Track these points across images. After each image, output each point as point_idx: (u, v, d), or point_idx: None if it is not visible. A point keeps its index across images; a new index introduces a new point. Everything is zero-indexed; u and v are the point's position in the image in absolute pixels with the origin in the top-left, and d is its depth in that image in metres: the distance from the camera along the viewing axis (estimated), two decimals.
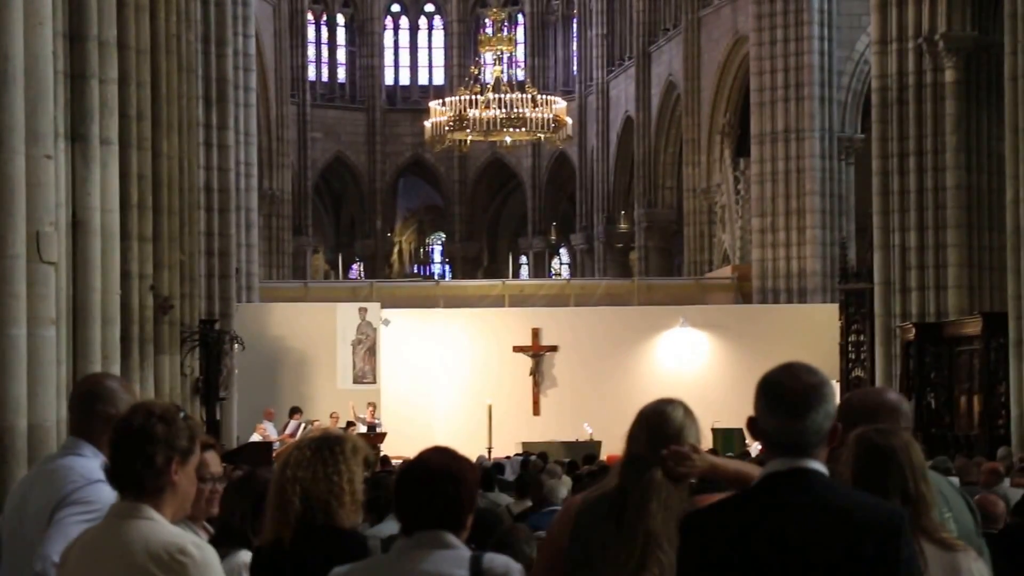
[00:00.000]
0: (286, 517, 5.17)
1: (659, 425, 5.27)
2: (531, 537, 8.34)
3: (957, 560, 4.95)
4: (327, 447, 5.17)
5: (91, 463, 5.50)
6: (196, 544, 4.56)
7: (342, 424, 30.04)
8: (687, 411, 5.28)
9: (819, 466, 4.15)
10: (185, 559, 4.47)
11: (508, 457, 26.65)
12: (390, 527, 9.32)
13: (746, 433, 22.89)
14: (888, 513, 4.14)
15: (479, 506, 5.17)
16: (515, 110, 41.50)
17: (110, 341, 16.26)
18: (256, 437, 28.77)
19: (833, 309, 32.21)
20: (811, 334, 32.34)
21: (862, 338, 30.56)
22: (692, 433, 5.20)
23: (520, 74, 53.43)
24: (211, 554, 4.57)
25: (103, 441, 5.23)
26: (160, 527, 4.58)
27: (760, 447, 4.31)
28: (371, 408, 31.10)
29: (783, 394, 4.16)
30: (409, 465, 4.81)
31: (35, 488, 5.62)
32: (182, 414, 4.75)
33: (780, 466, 4.15)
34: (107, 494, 5.07)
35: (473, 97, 41.93)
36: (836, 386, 29.23)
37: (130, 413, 4.75)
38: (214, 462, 5.97)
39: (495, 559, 4.65)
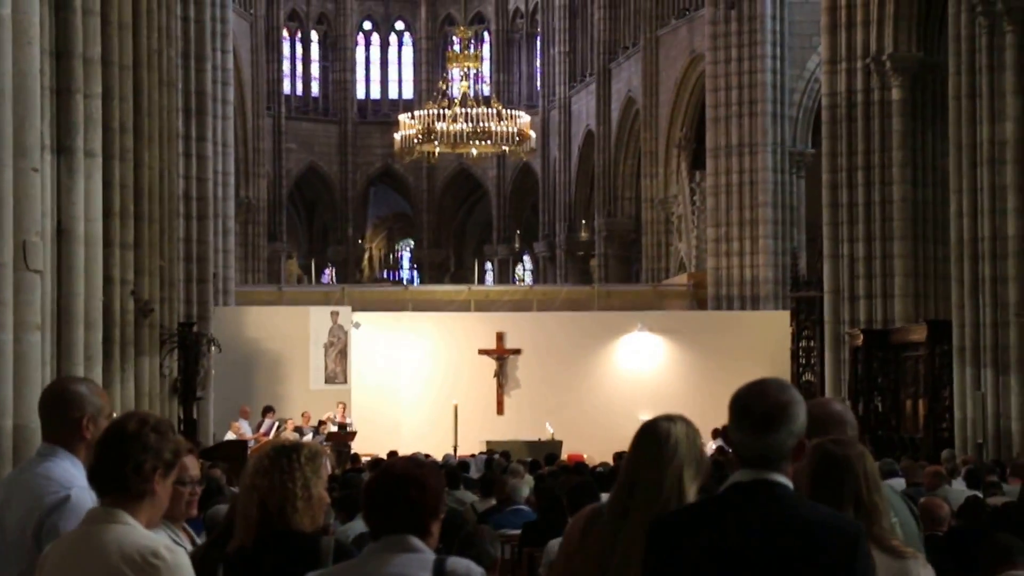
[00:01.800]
0: (248, 524, 5.13)
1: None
2: (495, 537, 8.65)
3: (907, 567, 4.95)
4: (284, 455, 5.09)
5: (68, 469, 5.42)
6: (168, 548, 4.60)
7: (313, 423, 30.22)
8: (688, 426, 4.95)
9: (783, 479, 4.19)
10: (158, 562, 4.51)
11: (473, 455, 26.52)
12: (360, 526, 9.32)
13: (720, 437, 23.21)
14: (846, 526, 4.18)
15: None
16: (481, 123, 41.43)
17: (93, 344, 16.33)
18: (231, 435, 28.65)
19: (784, 316, 32.46)
20: (763, 339, 32.66)
21: (812, 344, 30.66)
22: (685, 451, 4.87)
23: (486, 89, 53.01)
24: (183, 557, 4.62)
25: (76, 445, 5.44)
26: (134, 531, 4.61)
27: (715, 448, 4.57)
28: (341, 408, 31.00)
29: (749, 409, 4.21)
30: (376, 472, 4.89)
31: (13, 498, 5.48)
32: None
33: (744, 477, 4.20)
34: (85, 503, 5.13)
35: (441, 111, 41.84)
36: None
37: (125, 418, 4.80)
38: (193, 466, 5.97)
39: (458, 563, 4.68)
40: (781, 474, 4.19)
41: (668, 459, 4.81)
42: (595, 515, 5.07)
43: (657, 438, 4.86)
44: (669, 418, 4.93)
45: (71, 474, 5.39)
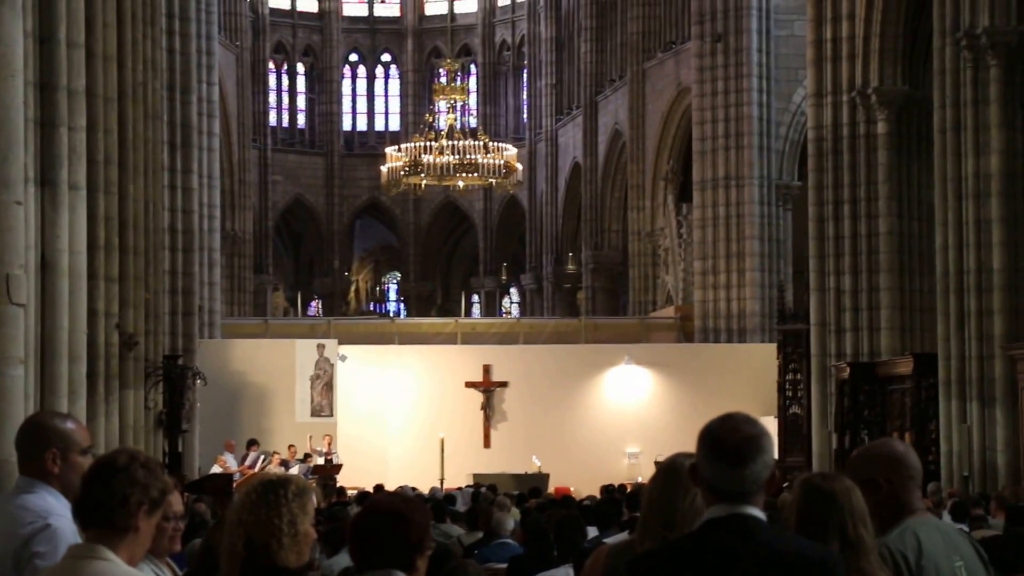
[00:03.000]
0: (234, 559, 5.09)
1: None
2: (481, 571, 8.70)
3: None
4: (272, 490, 5.06)
5: (45, 500, 5.43)
6: None
7: (299, 456, 30.15)
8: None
9: (757, 512, 4.23)
10: None
11: (459, 488, 26.15)
12: (346, 560, 9.32)
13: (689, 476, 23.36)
14: (823, 557, 4.23)
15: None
16: (468, 156, 41.59)
17: (76, 377, 16.19)
18: (217, 468, 28.53)
19: (771, 348, 32.16)
20: (750, 372, 32.75)
21: (799, 376, 30.39)
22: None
23: (473, 122, 52.70)
24: None
25: (53, 478, 5.46)
26: (115, 567, 4.61)
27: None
28: (328, 440, 30.92)
29: (723, 444, 4.22)
30: (362, 508, 4.98)
31: None
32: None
33: (720, 512, 4.22)
34: (65, 532, 5.19)
35: (428, 143, 41.95)
36: (773, 423, 29.83)
37: (116, 453, 4.81)
38: (176, 502, 5.93)
39: None
40: (755, 507, 4.22)
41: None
42: (618, 552, 5.14)
43: (683, 473, 4.94)
44: (688, 456, 4.92)
45: (49, 504, 5.40)
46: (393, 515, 4.73)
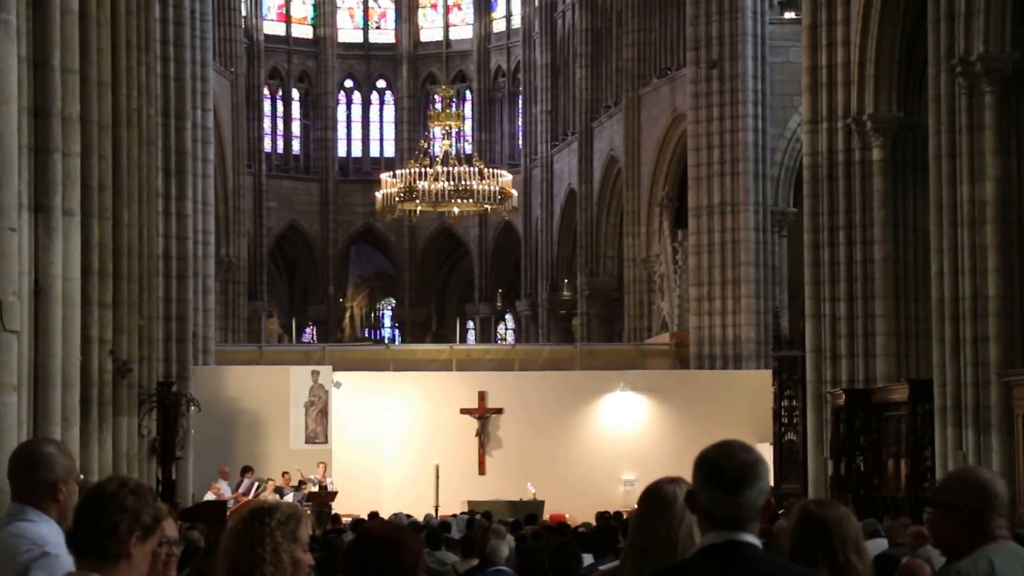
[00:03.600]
0: None
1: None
2: None
3: None
4: (257, 518, 5.03)
5: (40, 528, 5.40)
6: None
7: (294, 483, 30.13)
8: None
9: (752, 539, 4.24)
10: None
11: (454, 515, 26.54)
12: None
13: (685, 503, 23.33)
14: None
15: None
16: (463, 182, 41.69)
17: (70, 404, 16.14)
18: (211, 496, 28.49)
19: (767, 375, 32.16)
20: (746, 399, 32.72)
21: (794, 403, 30.42)
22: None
23: (468, 148, 53.48)
24: None
25: (47, 506, 5.43)
26: None
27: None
28: (322, 467, 30.89)
29: (719, 471, 4.24)
30: (355, 535, 4.92)
31: None
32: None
33: (716, 539, 4.24)
34: (62, 561, 5.15)
35: (423, 169, 42.02)
36: (769, 449, 29.77)
37: (105, 481, 4.81)
38: (170, 527, 5.81)
39: None
40: (751, 534, 4.23)
41: (679, 519, 4.96)
42: None
43: (664, 499, 5.03)
44: (672, 480, 5.09)
45: (44, 532, 5.37)
46: (386, 543, 4.71)
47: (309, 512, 26.72)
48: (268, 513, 5.09)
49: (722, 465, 4.25)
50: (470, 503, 30.28)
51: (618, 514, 23.84)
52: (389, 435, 33.86)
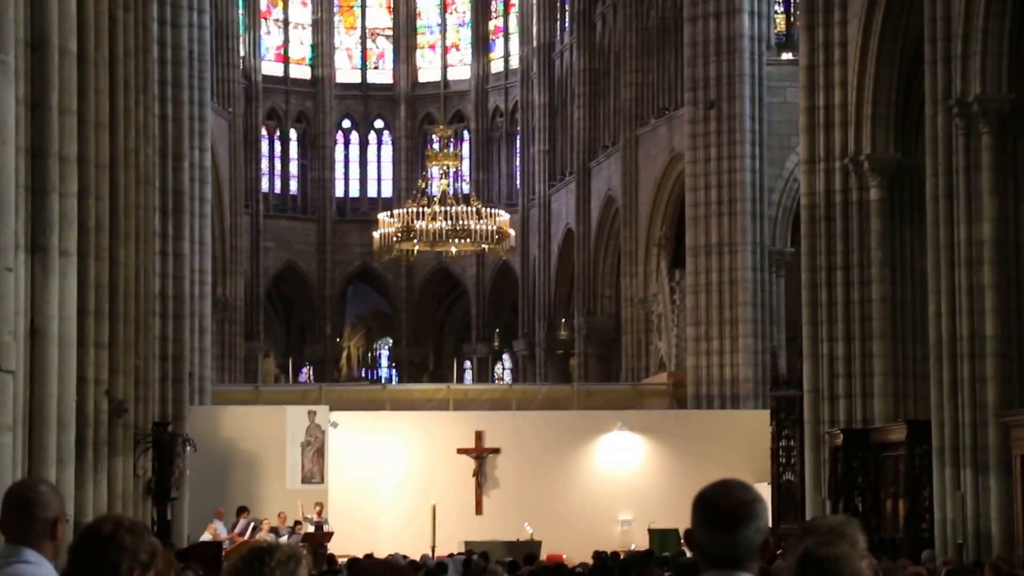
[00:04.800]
0: None
1: None
2: None
3: None
4: (257, 558, 5.02)
5: (39, 571, 5.37)
6: None
7: (290, 523, 30.11)
8: None
9: None
10: None
11: (451, 556, 26.53)
12: None
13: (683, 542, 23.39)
14: None
15: None
16: (460, 222, 41.84)
17: (65, 445, 16.02)
18: (207, 536, 28.44)
19: (764, 415, 31.94)
20: (743, 439, 32.71)
21: (792, 443, 30.16)
22: None
23: (466, 188, 53.63)
24: None
25: (43, 545, 5.39)
26: None
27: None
28: (319, 508, 30.88)
29: (716, 508, 4.25)
30: (350, 574, 5.22)
31: None
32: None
33: None
34: None
35: (420, 209, 42.20)
36: (767, 489, 29.67)
37: (100, 521, 4.86)
38: (168, 566, 6.32)
39: None
40: (748, 573, 4.21)
41: None
42: None
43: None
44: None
45: (42, 573, 5.35)
46: None
47: (305, 552, 26.62)
48: (268, 553, 5.08)
49: (719, 503, 4.25)
50: (467, 543, 30.27)
51: (615, 554, 23.81)
52: (386, 475, 33.80)
